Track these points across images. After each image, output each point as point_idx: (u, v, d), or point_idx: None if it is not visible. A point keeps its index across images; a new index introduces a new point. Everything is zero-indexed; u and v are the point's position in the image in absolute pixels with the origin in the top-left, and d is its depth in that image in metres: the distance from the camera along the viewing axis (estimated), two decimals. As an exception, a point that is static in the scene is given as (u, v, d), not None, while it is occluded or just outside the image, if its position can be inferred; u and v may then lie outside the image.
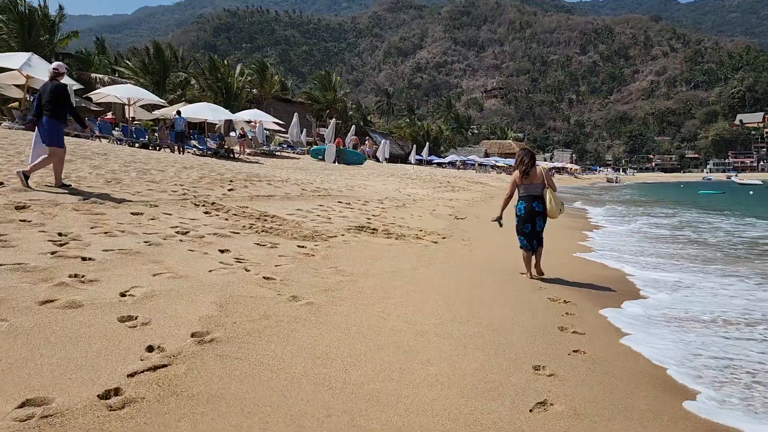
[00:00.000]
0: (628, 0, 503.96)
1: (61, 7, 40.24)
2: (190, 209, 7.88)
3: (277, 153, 32.20)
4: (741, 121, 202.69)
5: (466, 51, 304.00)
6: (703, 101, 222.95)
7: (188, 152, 23.85)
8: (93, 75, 36.39)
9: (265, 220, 7.97)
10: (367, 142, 47.53)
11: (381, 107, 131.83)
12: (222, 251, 5.69)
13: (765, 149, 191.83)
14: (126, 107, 22.97)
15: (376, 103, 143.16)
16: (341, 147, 31.76)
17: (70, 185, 7.86)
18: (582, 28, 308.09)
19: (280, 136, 46.15)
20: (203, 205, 8.27)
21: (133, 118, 29.25)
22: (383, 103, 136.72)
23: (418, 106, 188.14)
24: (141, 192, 8.42)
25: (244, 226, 7.30)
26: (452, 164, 68.49)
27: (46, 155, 7.42)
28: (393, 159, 58.14)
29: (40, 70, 16.67)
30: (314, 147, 33.96)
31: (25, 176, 7.28)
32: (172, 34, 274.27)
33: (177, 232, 6.19)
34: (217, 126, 38.10)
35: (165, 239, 5.76)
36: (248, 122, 36.56)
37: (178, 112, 21.91)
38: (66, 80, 9.12)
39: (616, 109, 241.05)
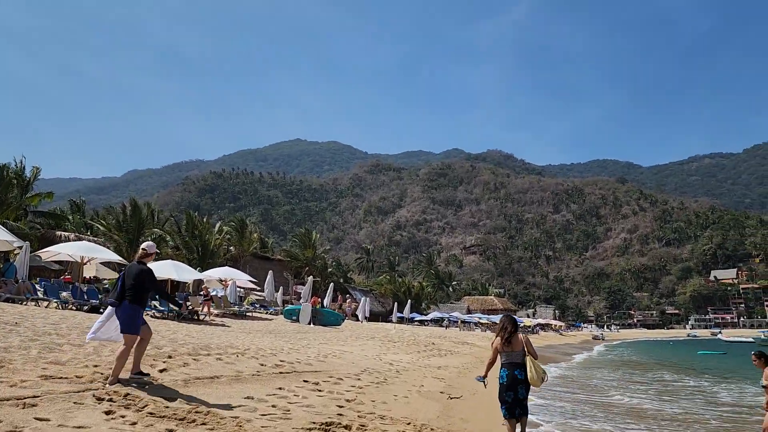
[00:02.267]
0: (594, 165, 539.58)
1: (36, 168, 39.73)
2: (85, 408, 5.62)
3: (248, 314, 29.84)
4: (716, 277, 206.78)
5: (444, 210, 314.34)
6: (677, 258, 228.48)
7: (146, 314, 21.55)
8: (59, 233, 34.78)
9: (192, 423, 5.70)
10: (347, 300, 45.35)
11: (361, 264, 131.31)
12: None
13: (743, 305, 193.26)
14: (80, 266, 20.96)
15: (356, 260, 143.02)
16: (317, 306, 29.56)
17: (149, 374, 7.29)
18: (553, 189, 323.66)
19: (255, 295, 44.01)
20: (109, 400, 6.00)
21: (95, 277, 27.19)
22: (363, 260, 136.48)
23: (399, 263, 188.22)
24: (27, 381, 6.17)
25: (156, 436, 5.05)
26: (435, 321, 66.09)
27: (122, 348, 6.92)
28: (374, 317, 55.87)
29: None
30: (288, 307, 31.70)
31: (113, 384, 6.70)
32: (158, 194, 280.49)
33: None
34: (187, 285, 36.10)
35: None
36: (221, 281, 34.75)
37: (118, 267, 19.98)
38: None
39: (593, 265, 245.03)
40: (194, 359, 9.26)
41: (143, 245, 7.48)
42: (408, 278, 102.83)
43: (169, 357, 8.88)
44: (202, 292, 25.62)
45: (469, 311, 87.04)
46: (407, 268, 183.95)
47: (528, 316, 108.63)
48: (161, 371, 7.92)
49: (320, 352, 14.50)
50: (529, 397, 7.04)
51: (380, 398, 9.01)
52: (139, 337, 7.04)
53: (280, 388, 8.31)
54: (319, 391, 8.73)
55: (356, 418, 7.14)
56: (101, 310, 18.72)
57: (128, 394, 6.34)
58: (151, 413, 5.79)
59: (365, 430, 6.57)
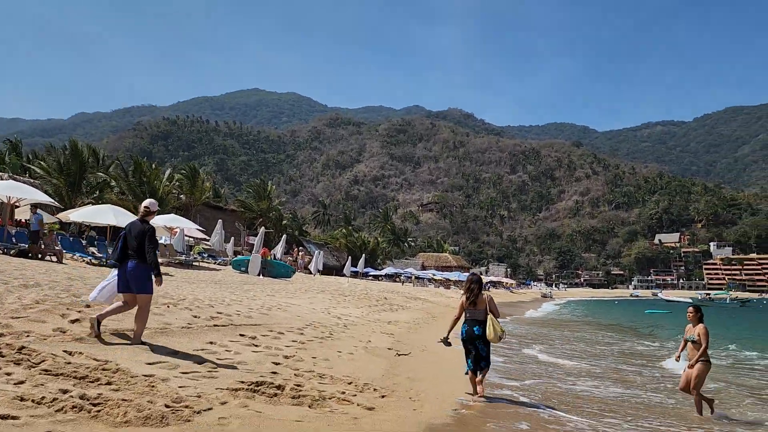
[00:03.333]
0: (551, 127, 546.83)
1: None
2: (-38, 364, 4.73)
3: (195, 263, 28.75)
4: (660, 240, 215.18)
5: (403, 166, 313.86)
6: (625, 221, 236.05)
7: (83, 261, 20.29)
8: (-11, 172, 32.45)
9: (95, 382, 4.89)
10: (301, 252, 44.55)
11: (317, 217, 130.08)
12: None
13: (683, 268, 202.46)
14: (8, 207, 19.41)
15: (312, 213, 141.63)
16: (267, 258, 28.69)
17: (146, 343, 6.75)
18: (511, 149, 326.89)
19: (204, 245, 42.73)
20: (-3, 355, 5.12)
21: (27, 220, 25.53)
22: (320, 214, 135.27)
23: (355, 218, 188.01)
24: None
25: (43, 398, 4.23)
26: (389, 277, 66.18)
27: (121, 303, 6.81)
28: (328, 271, 55.47)
29: None
30: (236, 257, 30.72)
31: (98, 322, 6.54)
32: (107, 139, 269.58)
33: None
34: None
35: None
36: (168, 228, 33.43)
37: (34, 209, 18.61)
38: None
39: (545, 226, 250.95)
40: (117, 309, 8.36)
41: (145, 203, 7.15)
42: (364, 233, 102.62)
43: (87, 306, 7.96)
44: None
45: (423, 267, 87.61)
46: (364, 223, 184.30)
47: (481, 273, 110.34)
48: (73, 321, 7.02)
49: (264, 304, 13.76)
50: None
51: (322, 355, 8.36)
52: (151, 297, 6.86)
53: (210, 343, 7.53)
54: (255, 346, 8.00)
55: (292, 377, 6.46)
56: (30, 256, 17.47)
57: (23, 347, 5.46)
58: (46, 370, 4.94)
59: (300, 390, 5.89)
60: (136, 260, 6.65)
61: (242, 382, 5.75)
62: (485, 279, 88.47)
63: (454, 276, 76.35)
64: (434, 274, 74.75)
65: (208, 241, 41.39)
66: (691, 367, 7.59)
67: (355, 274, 56.01)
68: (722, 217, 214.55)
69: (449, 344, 7.54)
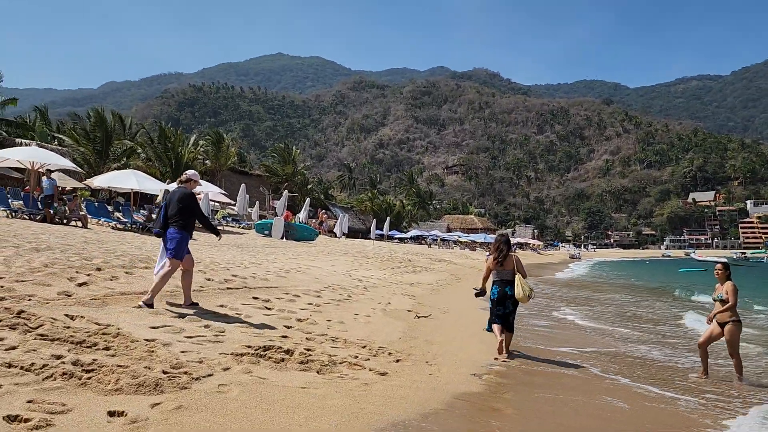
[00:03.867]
0: (580, 85, 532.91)
1: (-2, 73, 37.18)
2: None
3: (218, 227, 28.82)
4: (694, 199, 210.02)
5: (428, 129, 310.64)
6: (657, 180, 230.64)
7: (108, 225, 20.40)
8: (18, 140, 32.82)
9: (91, 348, 4.67)
10: (324, 215, 44.48)
11: (343, 181, 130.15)
12: None
13: (718, 227, 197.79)
14: (34, 173, 19.47)
15: (338, 177, 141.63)
16: (291, 221, 28.59)
17: (198, 303, 7.07)
18: (538, 109, 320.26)
19: (230, 209, 42.95)
20: (-8, 319, 4.93)
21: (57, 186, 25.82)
22: (345, 178, 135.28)
23: (380, 181, 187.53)
24: None
25: (33, 365, 4.02)
26: (414, 239, 65.98)
27: (166, 269, 6.69)
28: (354, 234, 55.52)
29: None
30: (260, 221, 30.70)
31: (148, 306, 6.40)
32: (136, 107, 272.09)
33: None
34: (155, 197, 34.81)
35: None
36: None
37: (48, 173, 18.62)
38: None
39: (573, 187, 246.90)
40: (127, 272, 8.19)
41: (186, 172, 7.29)
42: (389, 196, 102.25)
43: (98, 270, 7.81)
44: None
45: (449, 230, 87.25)
46: (389, 187, 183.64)
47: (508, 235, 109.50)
48: (80, 285, 6.85)
49: (284, 267, 13.58)
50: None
51: (338, 317, 8.10)
52: (181, 265, 6.81)
53: (221, 306, 7.32)
54: (268, 309, 7.77)
55: (303, 341, 6.20)
56: (50, 220, 17.56)
57: (23, 312, 5.27)
58: (42, 335, 4.74)
59: (310, 355, 5.62)
60: (177, 227, 6.70)
61: (249, 346, 5.50)
62: (512, 241, 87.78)
63: (479, 238, 75.81)
64: (459, 236, 74.32)
65: (233, 205, 41.58)
66: (720, 326, 7.09)
67: (380, 237, 55.96)
68: (760, 174, 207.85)
69: (484, 293, 7.69)
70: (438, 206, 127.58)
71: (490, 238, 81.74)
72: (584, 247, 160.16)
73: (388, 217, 64.18)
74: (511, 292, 7.25)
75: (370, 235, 53.66)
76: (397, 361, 6.11)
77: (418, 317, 9.62)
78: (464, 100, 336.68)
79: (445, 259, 34.00)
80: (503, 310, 7.31)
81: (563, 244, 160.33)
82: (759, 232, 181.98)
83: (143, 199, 32.64)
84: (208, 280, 9.00)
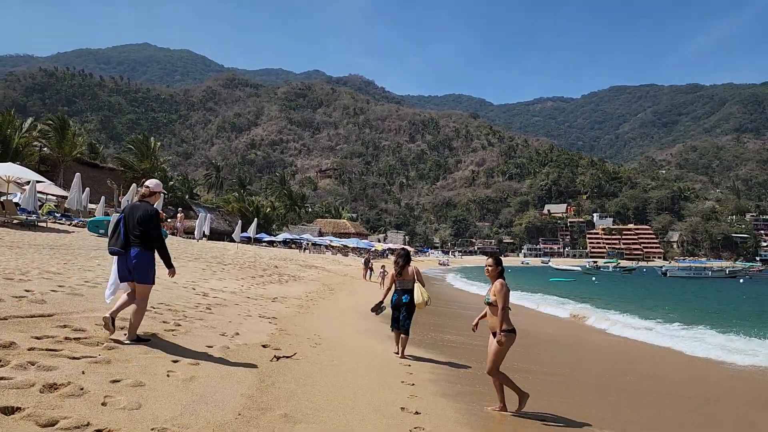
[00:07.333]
0: (449, 98, 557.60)
1: None
2: None
3: (40, 224, 23.45)
4: (549, 211, 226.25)
5: (302, 131, 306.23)
6: (517, 191, 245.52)
7: None
8: None
9: None
10: (179, 215, 39.55)
11: (210, 181, 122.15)
12: None
13: (569, 237, 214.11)
14: None
15: (204, 176, 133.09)
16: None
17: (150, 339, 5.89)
18: (411, 118, 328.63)
19: (66, 205, 36.72)
20: None
21: None
22: (212, 177, 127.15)
23: (251, 182, 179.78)
24: None
25: None
26: (285, 243, 62.28)
27: (128, 296, 5.83)
28: (219, 236, 51.29)
29: None
30: (93, 218, 25.70)
31: (112, 320, 5.67)
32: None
33: None
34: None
35: None
36: (19, 185, 28.11)
37: None
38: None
39: (442, 195, 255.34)
40: None
41: (147, 182, 6.24)
42: (259, 197, 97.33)
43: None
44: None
45: (321, 234, 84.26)
46: (260, 188, 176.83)
47: (379, 241, 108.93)
48: None
49: (95, 277, 9.78)
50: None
51: (132, 377, 4.69)
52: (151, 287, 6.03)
53: None
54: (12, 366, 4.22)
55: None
56: None
57: None
58: None
59: None
60: (139, 247, 5.81)
61: None
62: (384, 246, 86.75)
63: (352, 243, 73.65)
64: (332, 241, 71.66)
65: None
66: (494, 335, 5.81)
67: (247, 240, 51.63)
68: (605, 190, 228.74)
69: (384, 309, 8.54)
70: (310, 209, 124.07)
71: (363, 243, 79.96)
72: (451, 253, 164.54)
73: (256, 219, 59.86)
74: (407, 299, 8.06)
75: (234, 238, 49.26)
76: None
77: (277, 358, 6.45)
78: (339, 104, 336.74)
79: (316, 265, 30.93)
80: (398, 314, 8.19)
81: (432, 251, 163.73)
82: (603, 243, 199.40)
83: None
84: None
